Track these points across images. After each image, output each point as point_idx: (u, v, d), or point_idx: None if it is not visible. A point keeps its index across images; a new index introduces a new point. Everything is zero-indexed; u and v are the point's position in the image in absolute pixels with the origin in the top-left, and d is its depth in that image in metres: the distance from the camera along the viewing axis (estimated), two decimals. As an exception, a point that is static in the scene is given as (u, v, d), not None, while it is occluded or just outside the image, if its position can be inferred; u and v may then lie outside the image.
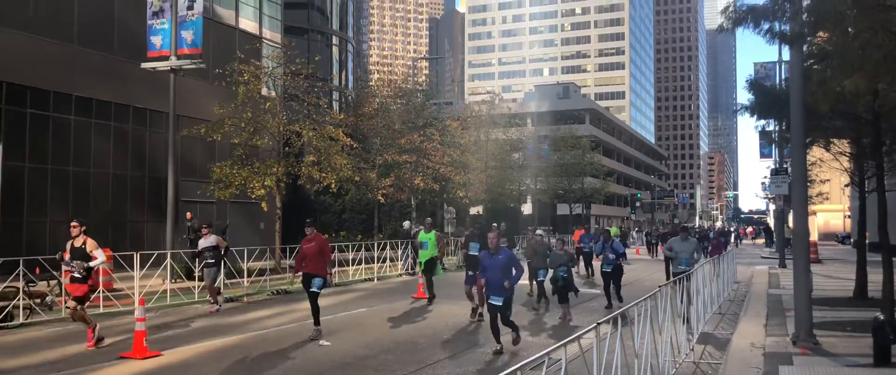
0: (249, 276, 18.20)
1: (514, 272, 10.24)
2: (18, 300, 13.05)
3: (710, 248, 21.46)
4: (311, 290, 11.75)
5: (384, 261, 24.45)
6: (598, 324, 5.52)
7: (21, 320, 12.93)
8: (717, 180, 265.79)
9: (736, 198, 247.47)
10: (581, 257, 24.63)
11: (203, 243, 15.58)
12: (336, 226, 39.37)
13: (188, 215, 23.01)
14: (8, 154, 21.86)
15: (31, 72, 22.76)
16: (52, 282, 14.69)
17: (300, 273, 12.14)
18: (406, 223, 31.50)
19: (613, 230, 31.19)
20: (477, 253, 13.55)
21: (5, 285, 13.16)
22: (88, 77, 24.64)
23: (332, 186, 26.67)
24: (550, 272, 14.94)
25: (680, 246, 14.03)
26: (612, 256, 15.82)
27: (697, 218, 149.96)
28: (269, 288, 18.69)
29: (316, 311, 11.73)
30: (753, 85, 15.08)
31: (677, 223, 32.17)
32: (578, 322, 13.12)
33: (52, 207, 23.55)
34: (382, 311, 15.07)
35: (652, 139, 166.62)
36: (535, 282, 16.16)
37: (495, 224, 25.04)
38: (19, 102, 22.56)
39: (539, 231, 16.87)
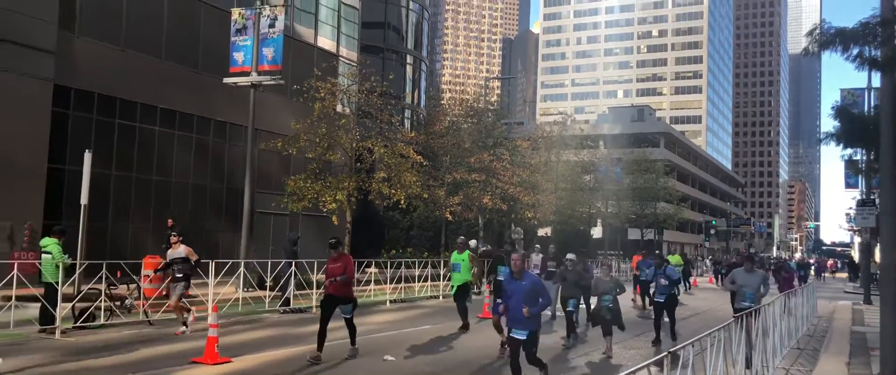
0: (318, 288, 18.47)
1: (540, 301, 8.70)
2: (100, 301, 13.60)
3: (780, 282, 19.51)
4: (344, 317, 11.24)
5: (450, 279, 24.42)
6: (660, 357, 5.30)
7: (102, 320, 13.48)
8: (797, 209, 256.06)
9: (817, 229, 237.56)
10: (638, 285, 23.63)
11: (171, 254, 13.64)
12: (403, 242, 39.65)
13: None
14: (96, 162, 22.93)
15: (121, 84, 23.87)
16: (132, 286, 15.27)
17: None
18: (473, 242, 31.44)
19: (674, 259, 29.02)
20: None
21: (89, 287, 13.74)
22: (173, 90, 25.67)
23: (402, 202, 26.93)
24: (593, 300, 13.42)
25: (744, 279, 12.30)
26: (665, 282, 14.24)
27: (775, 248, 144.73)
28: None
29: (353, 331, 11.43)
30: (840, 112, 14.46)
31: (754, 253, 30.84)
32: (621, 360, 11.92)
33: (134, 214, 24.54)
34: (446, 329, 15.03)
35: (729, 165, 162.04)
36: (566, 313, 13.95)
37: (539, 246, 24.11)
38: (108, 113, 23.67)
39: (570, 256, 15.73)
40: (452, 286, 15.16)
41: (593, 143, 55.84)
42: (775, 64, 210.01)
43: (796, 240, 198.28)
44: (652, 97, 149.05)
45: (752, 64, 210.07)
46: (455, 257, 15.20)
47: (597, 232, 56.79)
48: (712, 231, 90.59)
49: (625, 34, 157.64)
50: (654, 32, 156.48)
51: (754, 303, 11.46)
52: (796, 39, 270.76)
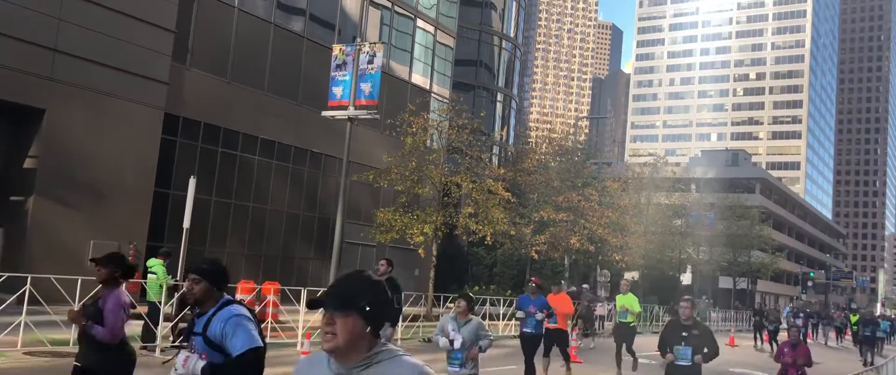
0: (404, 321, 18.57)
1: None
2: (197, 322, 14.10)
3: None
4: None
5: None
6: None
7: (198, 341, 13.95)
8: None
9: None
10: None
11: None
12: (486, 280, 39.46)
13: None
14: (197, 187, 23.99)
15: (225, 114, 25.00)
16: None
17: None
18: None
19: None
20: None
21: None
22: (274, 121, 26.68)
23: (488, 238, 26.89)
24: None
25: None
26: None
27: (878, 305, 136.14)
28: (421, 335, 18.98)
29: None
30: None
31: (856, 307, 27.10)
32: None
33: (231, 239, 25.46)
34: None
35: (829, 215, 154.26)
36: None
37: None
38: (212, 141, 24.79)
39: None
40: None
41: (685, 186, 54.39)
42: (882, 110, 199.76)
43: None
44: (747, 141, 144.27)
45: (857, 109, 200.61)
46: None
47: (686, 278, 54.95)
48: (810, 283, 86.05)
49: (720, 76, 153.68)
50: (752, 75, 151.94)
51: None
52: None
